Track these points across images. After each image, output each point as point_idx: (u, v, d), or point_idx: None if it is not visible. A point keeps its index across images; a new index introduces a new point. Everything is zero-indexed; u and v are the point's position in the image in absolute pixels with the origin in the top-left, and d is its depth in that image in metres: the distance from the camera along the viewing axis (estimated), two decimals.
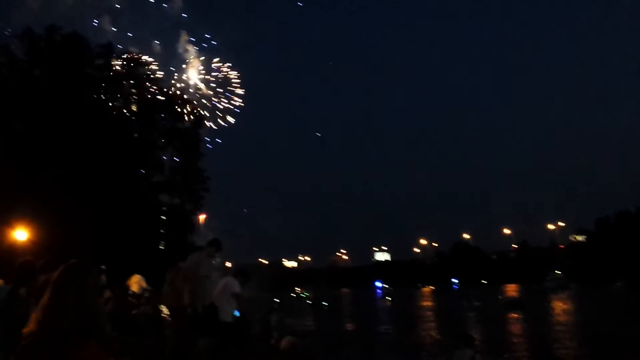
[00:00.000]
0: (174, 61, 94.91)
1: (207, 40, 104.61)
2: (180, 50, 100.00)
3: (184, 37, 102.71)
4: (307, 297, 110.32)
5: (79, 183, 35.71)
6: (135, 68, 52.75)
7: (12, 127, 35.66)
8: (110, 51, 50.84)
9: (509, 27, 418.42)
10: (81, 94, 42.30)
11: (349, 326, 53.43)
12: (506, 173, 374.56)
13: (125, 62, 51.61)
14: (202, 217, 62.59)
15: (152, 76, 56.47)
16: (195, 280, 10.11)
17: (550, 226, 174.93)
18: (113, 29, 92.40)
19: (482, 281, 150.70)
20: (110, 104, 48.29)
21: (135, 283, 16.67)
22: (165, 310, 12.63)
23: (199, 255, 10.73)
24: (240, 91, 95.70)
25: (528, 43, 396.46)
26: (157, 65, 66.53)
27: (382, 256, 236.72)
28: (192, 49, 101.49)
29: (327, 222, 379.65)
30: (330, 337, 42.59)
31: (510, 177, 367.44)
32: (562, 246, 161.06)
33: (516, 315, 54.16)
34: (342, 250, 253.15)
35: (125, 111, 50.76)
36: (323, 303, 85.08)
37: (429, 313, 65.99)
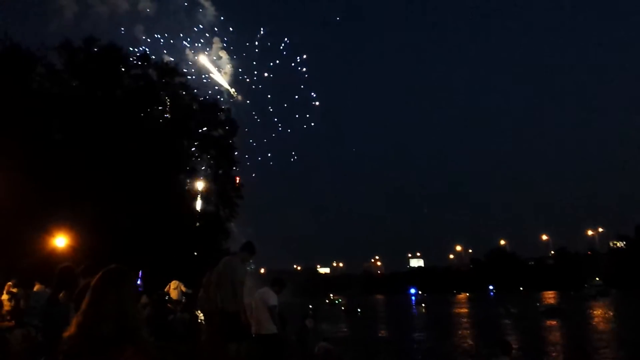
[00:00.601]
0: (206, 66, 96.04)
1: (243, 46, 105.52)
2: (214, 57, 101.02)
3: (217, 43, 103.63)
4: (341, 304, 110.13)
5: (117, 191, 36.31)
6: (171, 77, 53.50)
7: (52, 136, 36.43)
8: (146, 61, 51.67)
9: None
10: (118, 104, 43.05)
11: (383, 333, 53.21)
12: (544, 178, 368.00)
13: (160, 72, 52.36)
14: (237, 180, 62.54)
15: (186, 85, 57.19)
16: (227, 285, 10.08)
17: (590, 232, 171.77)
18: (147, 38, 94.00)
19: (519, 288, 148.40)
20: (146, 113, 48.98)
21: (174, 289, 16.86)
22: (201, 315, 12.74)
23: (232, 259, 10.48)
24: None
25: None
26: (192, 74, 67.43)
27: (416, 262, 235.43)
28: (225, 56, 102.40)
29: (361, 228, 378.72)
30: (365, 344, 42.48)
31: (548, 182, 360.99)
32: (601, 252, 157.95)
33: (555, 323, 53.22)
34: (376, 257, 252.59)
35: (161, 120, 51.48)
36: (357, 309, 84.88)
37: (465, 320, 65.27)
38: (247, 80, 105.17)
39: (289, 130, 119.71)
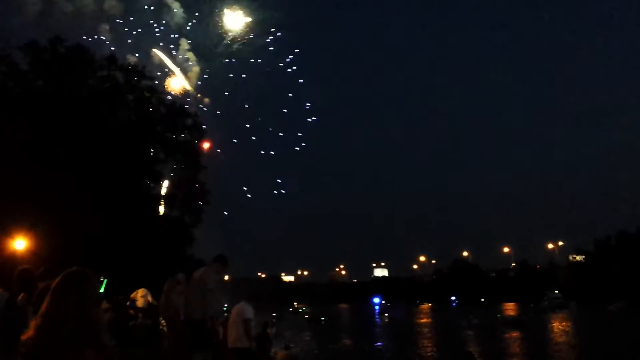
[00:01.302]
0: (173, 70, 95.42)
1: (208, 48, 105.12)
2: (180, 59, 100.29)
3: (184, 45, 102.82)
4: (305, 312, 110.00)
5: (79, 193, 35.70)
6: (137, 80, 52.91)
7: (13, 137, 35.69)
8: (112, 63, 51.02)
9: None
10: (83, 105, 42.40)
11: (347, 341, 53.25)
12: (505, 192, 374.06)
13: (127, 74, 51.77)
14: (206, 145, 61.93)
15: (153, 88, 56.63)
16: (198, 292, 10.09)
17: (550, 245, 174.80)
18: (112, 38, 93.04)
19: (481, 299, 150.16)
20: (111, 115, 48.33)
21: (142, 297, 16.57)
22: (163, 322, 12.59)
23: (208, 270, 10.62)
24: None
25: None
26: (158, 75, 67.00)
27: (380, 272, 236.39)
28: (192, 57, 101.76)
29: (326, 237, 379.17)
30: (328, 352, 42.49)
31: (509, 196, 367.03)
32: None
33: (515, 334, 53.98)
34: (340, 266, 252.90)
35: (126, 123, 50.82)
36: (321, 318, 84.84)
37: (427, 330, 65.75)
38: (214, 81, 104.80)
39: (253, 138, 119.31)
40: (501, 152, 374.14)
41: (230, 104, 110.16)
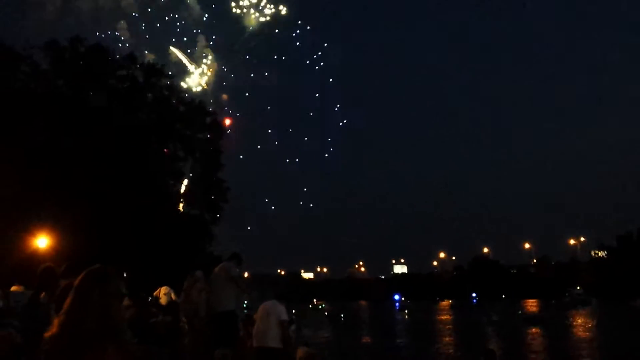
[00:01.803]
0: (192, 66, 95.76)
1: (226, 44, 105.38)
2: (198, 55, 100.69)
3: (202, 42, 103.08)
4: (324, 309, 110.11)
5: (99, 192, 36.07)
6: (157, 78, 53.30)
7: (35, 136, 36.16)
8: (132, 62, 51.46)
9: None
10: (104, 104, 42.85)
11: (366, 339, 53.19)
12: (527, 187, 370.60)
13: (146, 73, 52.17)
14: (228, 121, 62.43)
15: (172, 86, 57.05)
16: (220, 285, 10.17)
17: (572, 241, 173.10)
18: (129, 35, 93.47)
19: (502, 296, 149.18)
20: (131, 114, 48.74)
21: (164, 295, 16.70)
22: (184, 319, 12.67)
23: (226, 264, 10.84)
24: None
25: None
26: (177, 72, 67.57)
27: (400, 269, 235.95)
28: (210, 54, 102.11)
29: (345, 233, 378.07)
30: (347, 349, 42.46)
31: (531, 191, 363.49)
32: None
33: (536, 331, 53.55)
34: (360, 262, 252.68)
35: (146, 121, 51.25)
36: (340, 315, 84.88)
37: (447, 327, 65.46)
38: (232, 77, 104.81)
39: (269, 131, 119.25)
40: (523, 148, 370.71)
41: (250, 102, 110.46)
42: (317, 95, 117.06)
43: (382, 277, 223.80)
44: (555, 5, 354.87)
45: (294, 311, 57.59)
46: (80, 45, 45.21)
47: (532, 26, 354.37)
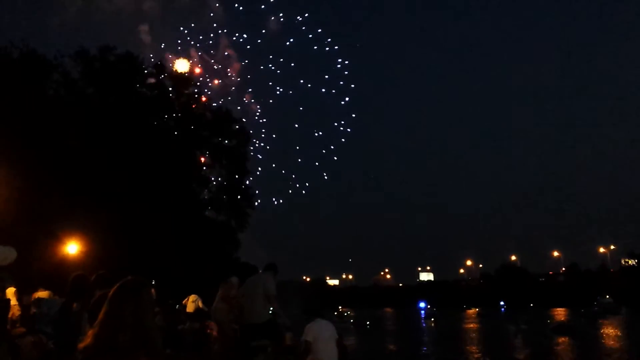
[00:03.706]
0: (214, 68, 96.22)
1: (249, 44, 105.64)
2: (220, 57, 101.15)
3: (224, 42, 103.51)
4: (349, 316, 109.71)
5: (130, 199, 36.51)
6: (185, 86, 53.99)
7: (66, 143, 36.73)
8: (160, 70, 52.20)
9: None
10: (132, 112, 43.40)
11: (392, 346, 52.89)
12: (555, 194, 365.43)
13: (175, 81, 52.88)
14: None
15: (200, 93, 57.73)
16: (259, 297, 10.17)
17: (601, 249, 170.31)
18: (151, 38, 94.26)
19: (530, 304, 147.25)
20: (160, 122, 49.37)
21: (192, 303, 16.87)
22: (213, 326, 12.74)
23: (263, 275, 10.76)
24: None
25: None
26: (201, 76, 68.25)
27: (426, 276, 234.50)
28: (232, 54, 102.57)
29: (371, 240, 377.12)
30: (373, 357, 42.27)
31: (559, 198, 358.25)
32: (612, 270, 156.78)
33: (565, 340, 52.74)
34: (385, 270, 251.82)
35: (174, 129, 51.87)
36: (366, 322, 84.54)
37: (475, 335, 64.79)
38: (256, 79, 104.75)
39: (297, 147, 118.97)
40: (552, 154, 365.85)
41: (274, 102, 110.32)
42: (347, 100, 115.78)
43: (408, 284, 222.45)
44: None
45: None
46: (110, 54, 45.93)
47: None
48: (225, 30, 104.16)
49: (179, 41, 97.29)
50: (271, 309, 10.32)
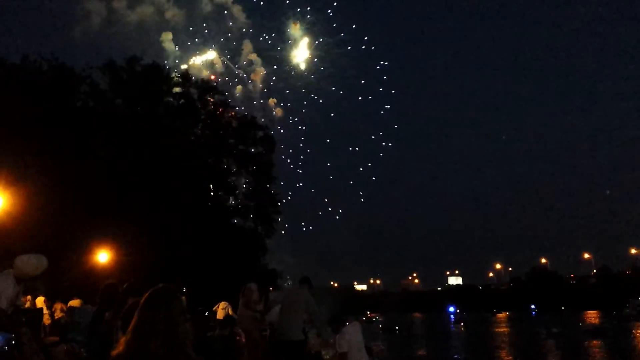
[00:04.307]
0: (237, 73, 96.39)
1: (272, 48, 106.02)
2: (244, 62, 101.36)
3: (247, 48, 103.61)
4: (378, 321, 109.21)
5: (157, 207, 36.86)
6: (210, 94, 54.49)
7: (96, 153, 37.27)
8: (187, 80, 52.79)
9: None
10: (160, 122, 43.93)
11: (422, 351, 52.50)
12: (585, 195, 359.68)
13: (200, 90, 53.40)
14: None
15: (225, 102, 58.18)
16: (297, 314, 10.19)
17: (633, 250, 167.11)
18: (175, 45, 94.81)
19: (561, 308, 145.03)
20: (187, 130, 49.88)
21: (222, 309, 16.95)
22: (241, 333, 12.77)
23: (303, 292, 10.76)
24: None
25: None
26: (225, 80, 68.86)
27: (455, 280, 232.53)
28: (256, 59, 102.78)
29: (398, 245, 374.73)
30: None
31: (589, 200, 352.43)
32: None
33: (597, 343, 51.84)
34: (414, 274, 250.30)
35: (201, 137, 52.37)
36: (395, 327, 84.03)
37: (505, 340, 63.99)
38: (281, 83, 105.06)
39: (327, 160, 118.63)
40: (579, 156, 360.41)
41: (299, 108, 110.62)
42: (386, 107, 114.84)
43: (437, 288, 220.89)
44: None
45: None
46: (137, 64, 46.57)
47: None
48: (245, 38, 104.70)
49: (203, 48, 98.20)
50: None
